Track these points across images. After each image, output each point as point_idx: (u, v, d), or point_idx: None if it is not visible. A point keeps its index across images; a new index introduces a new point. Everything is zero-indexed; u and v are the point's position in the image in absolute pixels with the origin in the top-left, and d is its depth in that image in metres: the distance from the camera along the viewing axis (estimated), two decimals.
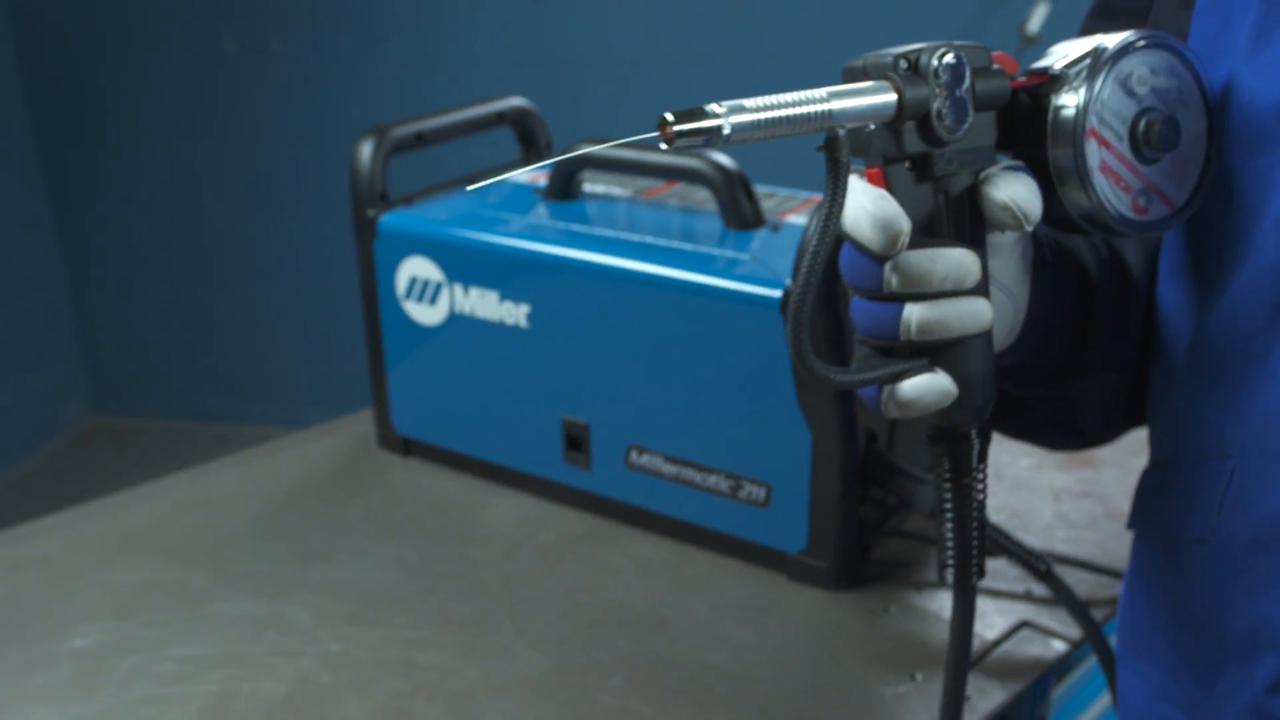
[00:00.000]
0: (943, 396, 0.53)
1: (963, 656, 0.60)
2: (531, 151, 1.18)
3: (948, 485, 0.57)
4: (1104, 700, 1.04)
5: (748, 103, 0.45)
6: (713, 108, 0.44)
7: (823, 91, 0.47)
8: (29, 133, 3.17)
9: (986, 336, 0.54)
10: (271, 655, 0.80)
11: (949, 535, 0.58)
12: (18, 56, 3.09)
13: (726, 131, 0.44)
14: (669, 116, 0.44)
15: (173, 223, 3.23)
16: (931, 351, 0.53)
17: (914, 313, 0.52)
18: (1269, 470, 0.52)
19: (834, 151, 0.48)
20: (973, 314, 0.52)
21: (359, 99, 3.00)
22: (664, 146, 0.45)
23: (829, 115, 0.47)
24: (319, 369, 3.27)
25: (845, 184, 0.48)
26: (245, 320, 3.28)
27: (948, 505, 0.57)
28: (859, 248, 0.52)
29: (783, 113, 0.46)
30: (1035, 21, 2.34)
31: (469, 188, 0.57)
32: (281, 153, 3.10)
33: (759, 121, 0.45)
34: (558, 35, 2.82)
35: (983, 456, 0.57)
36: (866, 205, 0.51)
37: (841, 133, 0.48)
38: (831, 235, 0.48)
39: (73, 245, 3.30)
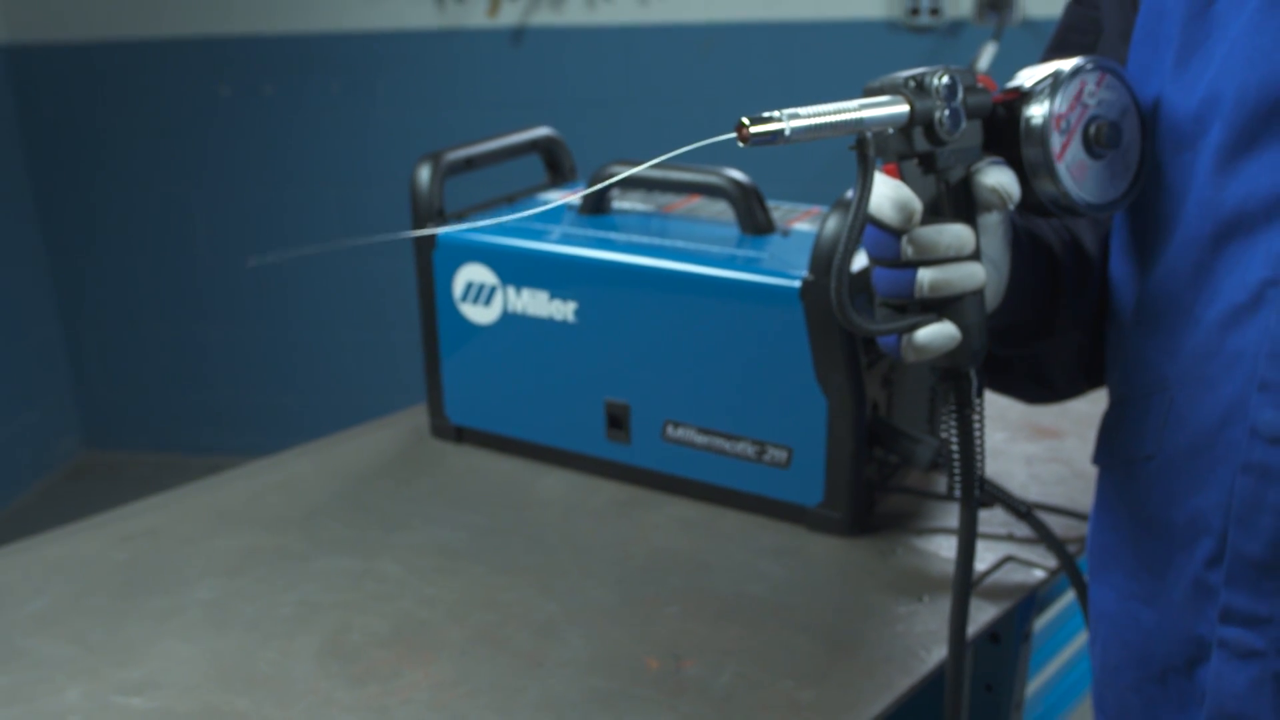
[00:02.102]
0: (949, 341, 0.68)
1: (968, 555, 0.75)
2: (558, 175, 1.33)
3: (953, 415, 0.72)
4: (1080, 639, 1.19)
5: (801, 110, 0.60)
6: (775, 114, 0.60)
7: (854, 103, 0.63)
8: (24, 171, 3.23)
9: (980, 294, 0.69)
10: (373, 599, 0.93)
11: (956, 456, 0.73)
12: (14, 96, 3.16)
13: (787, 133, 0.60)
14: (745, 120, 0.59)
15: (165, 260, 3.29)
16: (939, 306, 0.69)
17: (925, 275, 0.67)
18: (1197, 395, 0.68)
19: (863, 149, 0.64)
20: (970, 274, 0.68)
21: (347, 141, 3.10)
22: (741, 145, 0.60)
23: (860, 122, 0.63)
24: (310, 402, 3.36)
25: (872, 174, 0.64)
26: (237, 355, 3.35)
27: (954, 432, 0.73)
28: (881, 226, 0.67)
29: (827, 119, 0.61)
30: (984, 60, 2.54)
31: (542, 204, 0.71)
32: (273, 193, 3.19)
33: (810, 126, 0.60)
34: (535, 80, 2.93)
35: (980, 392, 0.72)
36: (887, 192, 0.66)
37: (869, 135, 0.64)
38: (864, 212, 0.64)
39: (67, 282, 3.35)
